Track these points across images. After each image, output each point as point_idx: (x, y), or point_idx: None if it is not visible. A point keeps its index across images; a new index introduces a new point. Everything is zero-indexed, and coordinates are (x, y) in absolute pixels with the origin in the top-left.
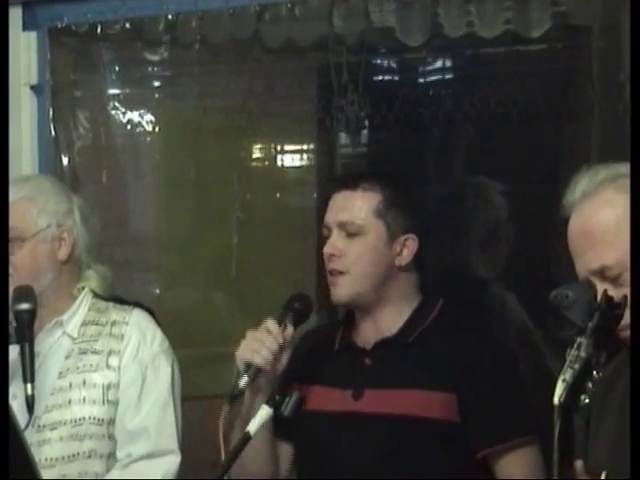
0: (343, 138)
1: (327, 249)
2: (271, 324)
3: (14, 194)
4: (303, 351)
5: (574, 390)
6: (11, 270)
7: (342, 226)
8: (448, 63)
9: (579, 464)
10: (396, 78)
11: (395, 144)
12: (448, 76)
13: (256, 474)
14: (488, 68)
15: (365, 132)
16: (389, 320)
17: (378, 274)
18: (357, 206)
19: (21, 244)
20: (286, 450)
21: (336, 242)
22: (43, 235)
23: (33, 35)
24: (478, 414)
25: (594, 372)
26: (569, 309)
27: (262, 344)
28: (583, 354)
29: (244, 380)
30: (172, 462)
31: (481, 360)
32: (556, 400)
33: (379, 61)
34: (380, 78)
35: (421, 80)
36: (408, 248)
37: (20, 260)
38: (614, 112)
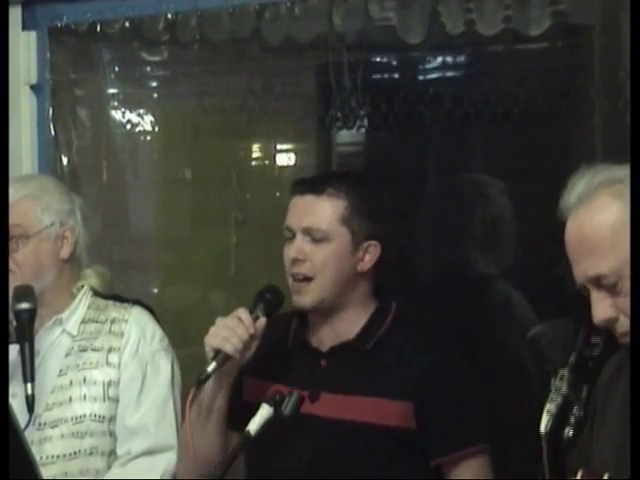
0: (342, 136)
1: (292, 253)
2: (243, 313)
3: (18, 192)
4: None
5: (558, 422)
6: (14, 267)
7: (307, 231)
8: (448, 61)
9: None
10: (396, 76)
11: (394, 142)
12: (448, 74)
13: (203, 459)
14: (489, 66)
15: (364, 130)
16: (347, 325)
17: (341, 280)
18: (323, 212)
19: (25, 241)
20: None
21: (301, 246)
22: (47, 233)
23: (33, 34)
24: (433, 423)
25: (574, 408)
26: (548, 348)
27: (233, 333)
28: (564, 390)
29: (212, 366)
30: (171, 458)
31: (436, 370)
32: (542, 429)
33: (378, 59)
34: (379, 76)
35: (421, 78)
36: (370, 254)
37: (24, 257)
38: (615, 110)
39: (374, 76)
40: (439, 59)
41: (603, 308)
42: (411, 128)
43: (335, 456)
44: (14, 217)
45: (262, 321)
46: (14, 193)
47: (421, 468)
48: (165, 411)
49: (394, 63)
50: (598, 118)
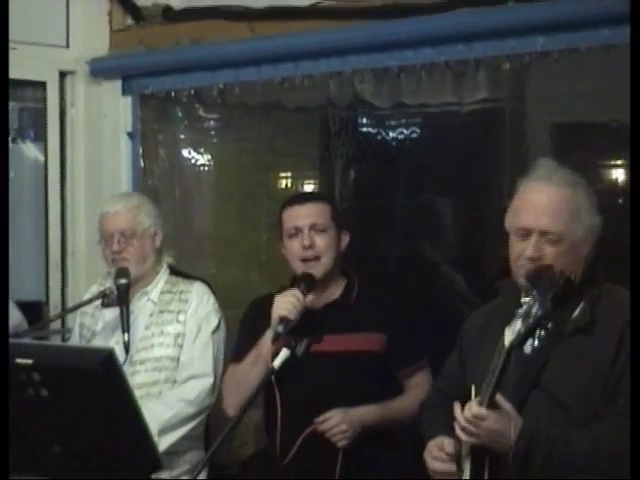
0: (337, 166)
1: (306, 242)
2: (297, 292)
3: (126, 205)
4: (262, 312)
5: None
6: (129, 257)
7: (313, 226)
8: (408, 118)
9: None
10: (372, 128)
11: (372, 172)
12: (408, 127)
13: (245, 387)
14: (436, 121)
15: (352, 164)
16: (333, 290)
17: (336, 257)
18: (322, 212)
19: (137, 238)
20: None
21: (311, 237)
22: (148, 232)
23: (129, 99)
24: (397, 347)
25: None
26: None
27: (294, 305)
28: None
29: (282, 328)
30: (207, 381)
31: (398, 312)
32: (507, 343)
33: (361, 116)
34: (362, 128)
35: (389, 129)
36: (345, 240)
37: (134, 250)
38: (519, 151)
39: (359, 127)
40: (402, 116)
41: None
42: (384, 162)
43: (338, 377)
44: (126, 222)
45: (309, 298)
46: (124, 205)
47: (389, 377)
48: (207, 350)
49: (371, 118)
50: (509, 156)
